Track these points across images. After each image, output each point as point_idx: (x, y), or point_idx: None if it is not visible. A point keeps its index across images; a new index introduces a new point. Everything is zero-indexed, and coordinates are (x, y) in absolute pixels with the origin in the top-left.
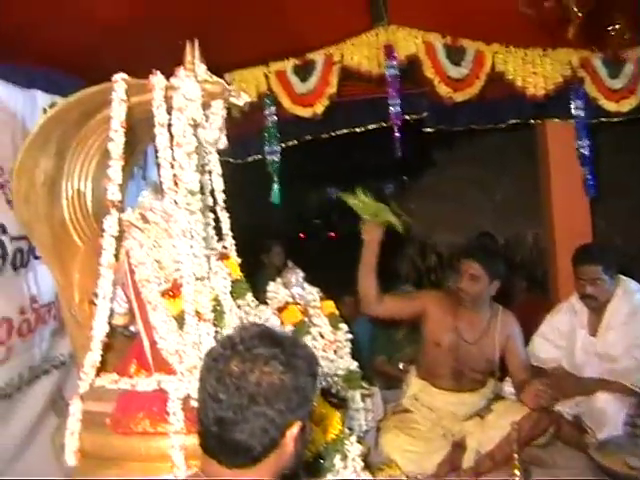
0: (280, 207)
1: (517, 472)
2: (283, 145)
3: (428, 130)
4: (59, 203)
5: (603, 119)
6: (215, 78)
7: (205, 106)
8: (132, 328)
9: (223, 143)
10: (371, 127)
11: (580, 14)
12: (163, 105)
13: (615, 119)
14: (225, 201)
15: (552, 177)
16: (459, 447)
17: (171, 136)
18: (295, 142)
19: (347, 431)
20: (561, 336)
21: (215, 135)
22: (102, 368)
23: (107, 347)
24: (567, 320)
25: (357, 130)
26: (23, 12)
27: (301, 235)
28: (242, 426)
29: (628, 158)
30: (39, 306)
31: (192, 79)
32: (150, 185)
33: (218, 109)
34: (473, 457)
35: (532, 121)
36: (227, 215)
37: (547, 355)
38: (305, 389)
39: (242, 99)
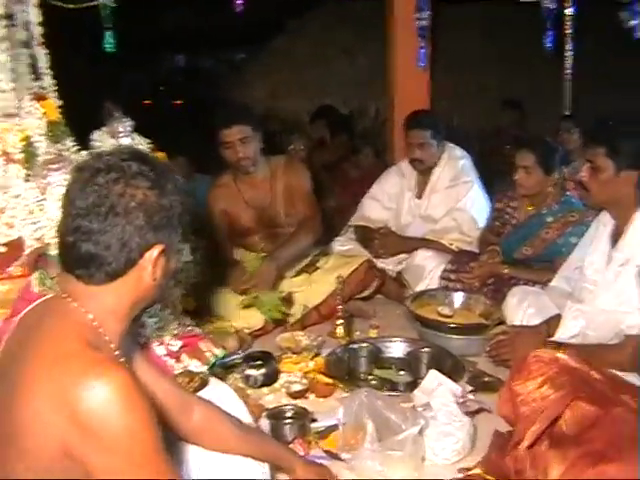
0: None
1: (340, 322)
2: None
3: None
4: None
5: None
6: None
7: None
8: None
9: None
10: None
11: None
12: None
13: None
14: (43, 36)
15: (397, 49)
16: (287, 302)
17: None
18: None
19: None
20: (390, 198)
21: None
22: None
23: None
24: (396, 182)
25: None
26: None
27: (146, 102)
28: (98, 237)
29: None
30: None
31: None
32: None
33: None
34: (300, 311)
35: None
36: (44, 52)
37: (376, 216)
38: (170, 212)
39: None
